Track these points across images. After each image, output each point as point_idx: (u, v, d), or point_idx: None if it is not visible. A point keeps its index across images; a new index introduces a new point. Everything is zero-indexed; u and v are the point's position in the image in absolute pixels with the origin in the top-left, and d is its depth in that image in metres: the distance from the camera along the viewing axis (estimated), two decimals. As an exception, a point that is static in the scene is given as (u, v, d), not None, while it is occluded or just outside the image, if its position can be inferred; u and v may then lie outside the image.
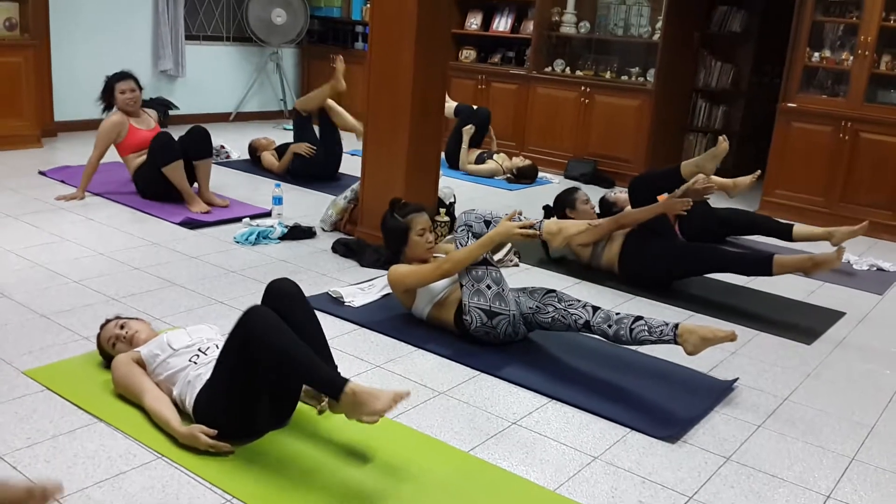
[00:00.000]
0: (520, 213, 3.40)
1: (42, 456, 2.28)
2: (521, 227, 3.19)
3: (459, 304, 3.23)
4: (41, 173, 5.54)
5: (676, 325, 2.90)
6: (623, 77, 7.12)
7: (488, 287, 3.18)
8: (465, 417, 2.69)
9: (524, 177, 6.69)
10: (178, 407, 2.51)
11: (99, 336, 2.80)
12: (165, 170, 4.88)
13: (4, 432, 2.38)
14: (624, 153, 6.93)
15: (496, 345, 3.21)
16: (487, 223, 3.37)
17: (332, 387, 2.21)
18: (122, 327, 2.76)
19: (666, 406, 2.85)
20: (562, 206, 4.67)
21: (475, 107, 7.13)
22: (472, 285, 3.19)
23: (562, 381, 2.99)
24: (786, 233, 4.95)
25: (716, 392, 2.98)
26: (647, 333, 2.93)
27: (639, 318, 2.99)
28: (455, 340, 3.25)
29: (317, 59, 8.91)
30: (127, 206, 4.93)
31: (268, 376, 2.33)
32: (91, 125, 6.97)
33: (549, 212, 4.67)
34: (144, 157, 5.04)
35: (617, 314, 3.03)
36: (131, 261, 3.98)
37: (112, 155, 5.15)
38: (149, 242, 4.31)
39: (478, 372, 3.02)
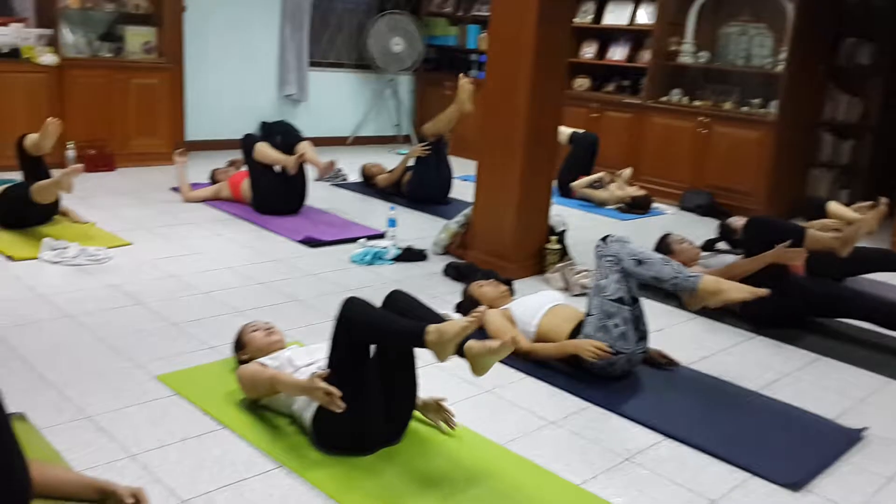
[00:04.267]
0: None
1: (171, 458, 2.40)
2: (595, 348, 3.03)
3: (573, 333, 3.20)
4: (173, 189, 5.87)
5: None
6: (744, 108, 6.93)
7: (616, 326, 3.09)
8: (577, 449, 2.66)
9: (637, 207, 6.59)
10: (296, 421, 2.60)
11: (244, 326, 2.96)
12: (256, 155, 5.25)
13: (138, 433, 2.52)
14: (744, 186, 6.72)
15: (609, 378, 3.17)
16: (639, 262, 3.21)
17: (416, 335, 2.28)
18: (268, 326, 2.92)
19: (789, 451, 2.73)
20: (661, 252, 4.50)
21: (581, 131, 7.08)
22: (600, 319, 3.11)
23: (677, 417, 2.91)
24: None
25: (843, 440, 2.83)
26: None
27: None
28: (566, 369, 3.22)
29: (431, 86, 9.09)
30: (252, 224, 5.16)
31: (372, 356, 2.42)
32: (218, 145, 7.41)
33: None
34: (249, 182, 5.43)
35: None
36: (255, 275, 4.16)
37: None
38: (271, 259, 4.49)
39: (589, 404, 2.98)
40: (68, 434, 2.47)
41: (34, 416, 2.53)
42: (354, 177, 6.91)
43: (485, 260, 4.46)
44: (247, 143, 5.39)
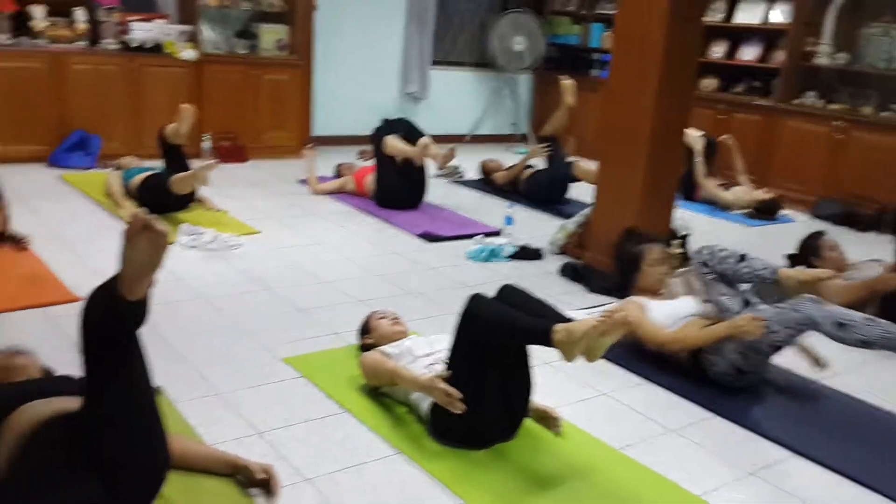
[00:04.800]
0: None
1: (296, 437, 2.50)
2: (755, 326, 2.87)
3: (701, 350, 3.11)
4: (300, 182, 6.09)
5: None
6: (884, 113, 6.52)
7: (757, 353, 2.96)
8: (697, 459, 2.59)
9: (765, 211, 6.33)
10: (414, 410, 2.65)
11: (372, 313, 3.06)
12: (385, 147, 5.35)
13: (265, 413, 2.64)
14: (885, 195, 6.32)
15: (732, 389, 3.06)
16: (840, 325, 3.06)
17: (542, 333, 2.25)
18: (395, 317, 3.01)
19: (930, 477, 2.56)
20: (805, 254, 4.30)
21: (700, 133, 6.85)
22: (741, 347, 2.97)
23: (807, 432, 2.79)
24: None
25: None
26: None
27: None
28: (686, 377, 3.14)
29: (550, 86, 8.98)
30: (373, 217, 5.29)
31: (493, 354, 2.42)
32: (342, 140, 7.62)
33: (792, 261, 4.30)
34: (374, 177, 5.54)
35: None
36: (376, 267, 4.26)
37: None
38: (391, 251, 4.60)
39: (712, 414, 2.90)
40: (201, 409, 2.62)
41: (170, 390, 2.69)
42: (472, 174, 6.96)
43: (602, 261, 4.39)
44: (376, 135, 5.53)
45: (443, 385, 2.38)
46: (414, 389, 2.58)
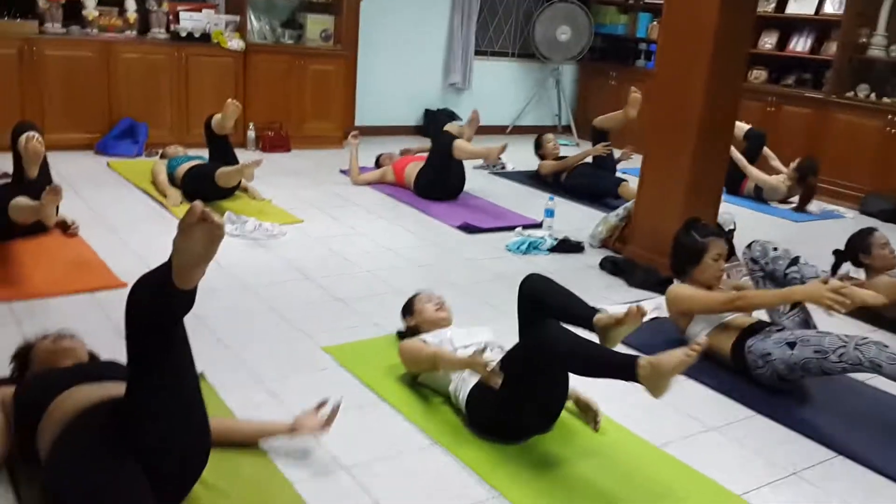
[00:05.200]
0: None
1: (333, 425, 2.51)
2: (833, 292, 2.76)
3: (741, 333, 3.06)
4: (342, 172, 6.13)
5: None
6: (941, 107, 6.32)
7: (806, 371, 2.89)
8: (738, 459, 2.55)
9: (804, 173, 6.20)
10: (451, 401, 2.65)
11: (419, 294, 3.03)
12: (456, 152, 5.36)
13: (304, 399, 2.64)
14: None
15: (775, 389, 3.00)
16: (773, 278, 3.04)
17: (625, 367, 2.18)
18: (440, 302, 2.97)
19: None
20: (854, 251, 4.18)
21: (747, 126, 6.71)
22: (792, 333, 2.94)
23: (851, 433, 2.72)
24: None
25: None
26: None
27: None
28: (729, 374, 3.09)
29: (596, 77, 8.94)
30: (413, 208, 5.30)
31: (550, 375, 2.40)
32: (384, 131, 7.65)
33: (840, 257, 4.20)
34: (418, 168, 5.55)
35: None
36: (415, 258, 4.28)
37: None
38: (430, 242, 4.60)
39: (754, 412, 2.85)
40: (241, 394, 2.65)
41: (212, 375, 2.73)
42: (512, 165, 6.93)
43: (644, 255, 4.34)
44: (435, 127, 5.51)
45: (483, 359, 2.39)
46: (456, 368, 2.58)
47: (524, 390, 2.41)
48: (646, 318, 3.56)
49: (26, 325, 2.98)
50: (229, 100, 4.83)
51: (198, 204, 1.64)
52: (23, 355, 2.36)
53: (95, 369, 2.14)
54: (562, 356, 2.31)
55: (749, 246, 3.42)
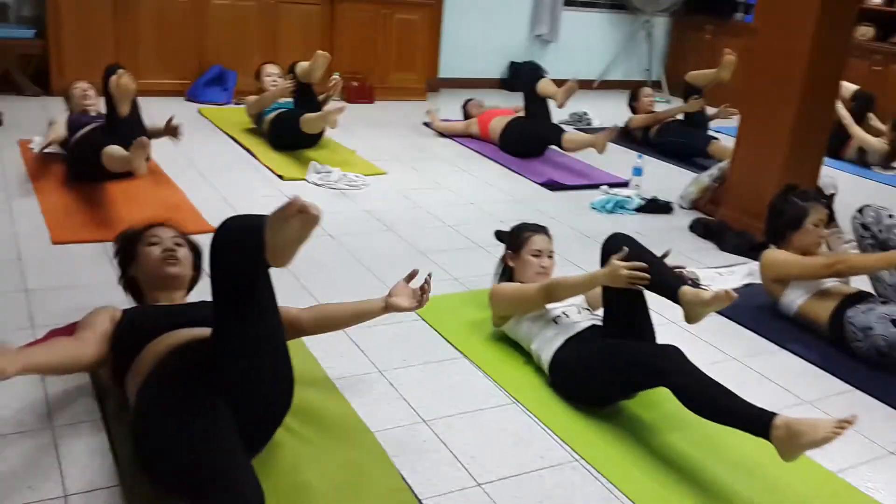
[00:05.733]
0: None
1: (414, 378, 2.52)
2: None
3: (841, 301, 2.91)
4: (425, 124, 6.08)
5: None
6: None
7: None
8: (833, 434, 2.43)
9: None
10: (534, 360, 2.61)
11: (531, 237, 2.81)
12: (539, 88, 5.26)
13: (385, 351, 2.67)
14: None
15: (872, 363, 2.85)
16: (885, 246, 2.87)
17: (759, 423, 2.01)
18: (551, 253, 2.80)
19: None
20: None
21: (854, 87, 6.32)
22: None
23: (957, 417, 2.57)
24: None
25: None
26: None
27: None
28: (824, 345, 2.95)
29: (689, 30, 8.56)
30: (496, 163, 5.22)
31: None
32: (467, 83, 7.53)
33: None
34: (504, 122, 5.42)
35: None
36: (496, 213, 4.22)
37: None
38: (513, 198, 4.53)
39: (851, 387, 2.71)
40: (326, 343, 2.67)
41: (297, 322, 2.76)
42: (599, 121, 6.74)
43: (737, 218, 4.17)
44: (528, 80, 5.40)
45: (622, 263, 2.32)
46: (587, 288, 2.49)
47: (619, 385, 2.36)
48: (737, 285, 3.47)
49: (120, 266, 3.07)
50: (319, 51, 4.82)
51: (297, 198, 1.65)
52: (129, 248, 2.39)
53: (192, 311, 2.15)
54: (685, 394, 2.13)
55: (860, 210, 3.22)
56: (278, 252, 1.72)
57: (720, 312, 3.18)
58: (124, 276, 2.42)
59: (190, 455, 1.68)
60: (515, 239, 2.81)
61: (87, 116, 4.20)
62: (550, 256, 2.79)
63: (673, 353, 2.21)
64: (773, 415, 2.00)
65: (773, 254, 3.18)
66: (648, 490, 2.08)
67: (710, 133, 5.87)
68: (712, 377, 2.16)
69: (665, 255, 2.57)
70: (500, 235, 2.96)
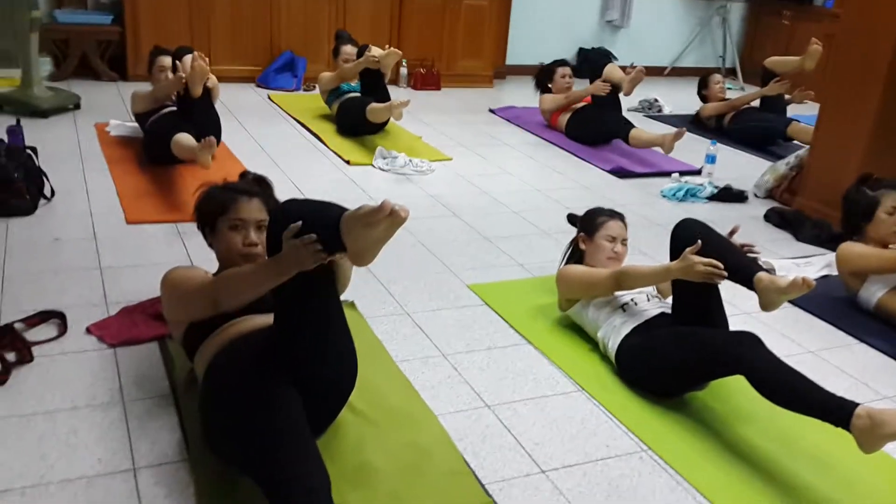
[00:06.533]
0: None
1: (478, 363, 2.50)
2: None
3: None
4: (491, 111, 6.04)
5: None
6: None
7: None
8: (917, 432, 2.31)
9: None
10: (600, 347, 2.56)
11: (604, 221, 2.72)
12: (606, 71, 5.18)
13: (449, 335, 2.66)
14: None
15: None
16: None
17: (839, 412, 1.93)
18: (624, 239, 2.71)
19: None
20: None
21: None
22: None
23: None
24: None
25: None
26: None
27: None
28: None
29: (766, 16, 8.28)
30: (563, 150, 5.15)
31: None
32: (536, 71, 7.43)
33: None
34: (570, 112, 5.34)
35: None
36: (563, 200, 4.15)
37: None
38: (580, 185, 4.46)
39: (936, 384, 2.58)
40: (390, 325, 2.68)
41: (361, 305, 2.78)
42: (670, 108, 6.58)
43: (815, 208, 4.01)
44: (596, 66, 5.32)
45: (698, 257, 2.24)
46: (661, 280, 2.42)
47: (691, 375, 2.29)
48: (815, 276, 3.34)
49: (191, 243, 3.14)
50: (392, 48, 4.82)
51: (387, 201, 1.61)
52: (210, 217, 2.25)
53: (263, 300, 2.13)
54: (762, 381, 2.05)
55: None
56: (362, 255, 1.70)
57: (796, 303, 3.08)
58: (205, 237, 2.32)
59: (259, 444, 1.69)
60: (590, 222, 2.75)
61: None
62: (624, 243, 2.72)
63: (749, 339, 2.14)
64: (854, 404, 1.92)
65: (850, 247, 3.05)
66: (718, 482, 2.02)
67: (789, 117, 5.67)
68: (784, 361, 2.08)
69: (733, 232, 2.48)
70: (572, 219, 2.89)
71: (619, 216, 2.77)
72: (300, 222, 1.75)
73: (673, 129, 4.90)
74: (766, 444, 2.19)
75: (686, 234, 2.38)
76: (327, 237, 1.71)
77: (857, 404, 1.92)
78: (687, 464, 2.08)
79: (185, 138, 3.70)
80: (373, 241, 1.67)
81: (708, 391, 2.41)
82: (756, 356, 2.08)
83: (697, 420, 2.28)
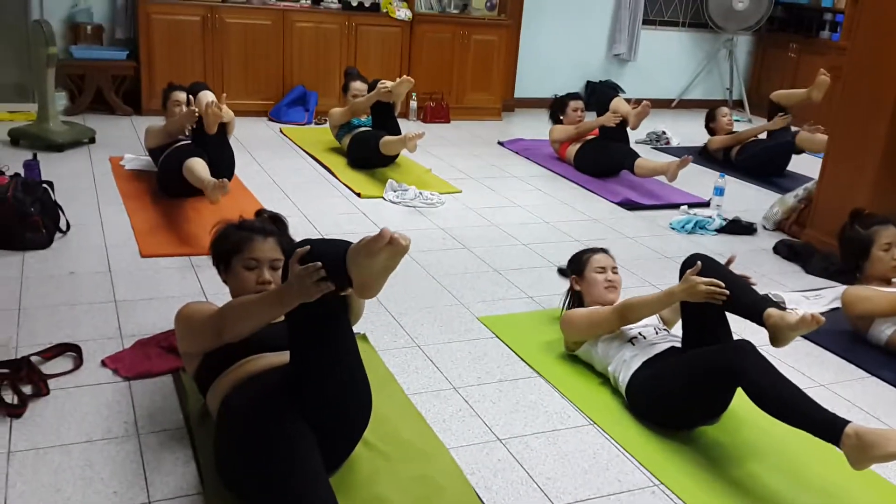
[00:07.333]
0: None
1: (489, 396, 2.51)
2: None
3: None
4: (500, 143, 6.09)
5: None
6: None
7: None
8: (930, 467, 2.31)
9: None
10: (610, 381, 2.57)
11: (594, 255, 2.79)
12: (613, 103, 5.25)
13: (460, 368, 2.67)
14: None
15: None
16: None
17: (830, 429, 1.96)
18: (615, 272, 2.75)
19: None
20: None
21: None
22: None
23: None
24: None
25: None
26: None
27: None
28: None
29: (773, 48, 8.35)
30: (571, 182, 5.19)
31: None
32: (543, 104, 7.50)
33: None
34: (579, 144, 5.37)
35: None
36: (572, 232, 4.18)
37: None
38: (589, 217, 4.49)
39: (949, 418, 2.57)
40: (401, 358, 2.69)
41: (373, 338, 2.80)
42: (678, 140, 6.63)
43: (825, 241, 4.02)
44: (604, 99, 5.39)
45: (700, 278, 2.27)
46: (664, 305, 2.42)
47: (695, 395, 2.29)
48: (824, 309, 3.34)
49: (205, 276, 3.17)
50: (405, 76, 4.89)
51: (386, 229, 1.65)
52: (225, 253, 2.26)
53: (282, 335, 2.05)
54: (757, 392, 2.08)
55: None
56: (368, 286, 1.71)
57: (807, 337, 3.07)
58: (220, 274, 2.33)
59: (272, 481, 1.70)
60: (577, 262, 2.82)
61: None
62: (615, 271, 2.76)
63: (744, 347, 2.16)
64: (846, 422, 1.94)
65: (855, 291, 3.05)
66: (731, 518, 2.01)
67: (793, 129, 5.73)
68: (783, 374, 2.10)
69: (730, 262, 2.50)
70: (562, 271, 2.95)
71: (603, 249, 2.83)
72: (308, 247, 1.77)
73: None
74: (775, 476, 2.18)
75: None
76: (332, 268, 1.73)
77: (848, 422, 1.94)
78: (698, 498, 2.07)
79: (198, 166, 3.75)
80: (377, 272, 1.69)
81: (718, 425, 2.40)
82: (749, 364, 2.11)
83: (708, 454, 2.27)
